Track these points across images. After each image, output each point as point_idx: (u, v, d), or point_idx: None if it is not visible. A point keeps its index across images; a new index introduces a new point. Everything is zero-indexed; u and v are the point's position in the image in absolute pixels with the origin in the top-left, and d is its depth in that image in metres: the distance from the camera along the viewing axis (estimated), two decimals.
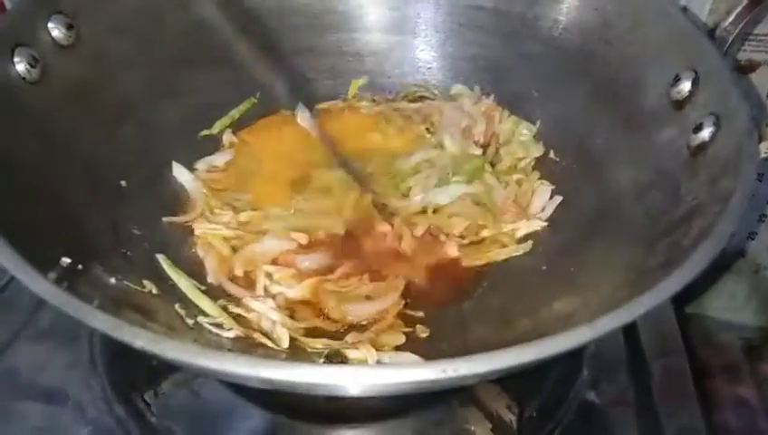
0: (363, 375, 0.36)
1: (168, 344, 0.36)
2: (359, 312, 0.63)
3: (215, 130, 0.77)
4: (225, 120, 0.78)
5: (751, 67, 0.82)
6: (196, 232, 0.69)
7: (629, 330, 0.69)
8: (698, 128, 0.57)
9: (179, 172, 0.72)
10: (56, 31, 0.64)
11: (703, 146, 0.57)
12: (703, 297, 1.06)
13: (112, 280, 0.54)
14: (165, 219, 0.68)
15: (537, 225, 0.70)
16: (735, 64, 0.82)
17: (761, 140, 0.52)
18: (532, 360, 0.36)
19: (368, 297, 0.64)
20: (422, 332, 0.61)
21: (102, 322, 0.38)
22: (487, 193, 0.72)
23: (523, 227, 0.70)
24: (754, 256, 1.02)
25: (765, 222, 0.98)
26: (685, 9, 0.74)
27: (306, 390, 0.39)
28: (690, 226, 0.50)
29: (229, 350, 0.57)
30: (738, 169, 0.50)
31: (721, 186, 0.51)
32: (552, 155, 0.75)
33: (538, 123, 0.77)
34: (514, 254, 0.68)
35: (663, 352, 0.68)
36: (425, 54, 0.83)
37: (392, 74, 0.83)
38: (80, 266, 0.52)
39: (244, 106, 0.79)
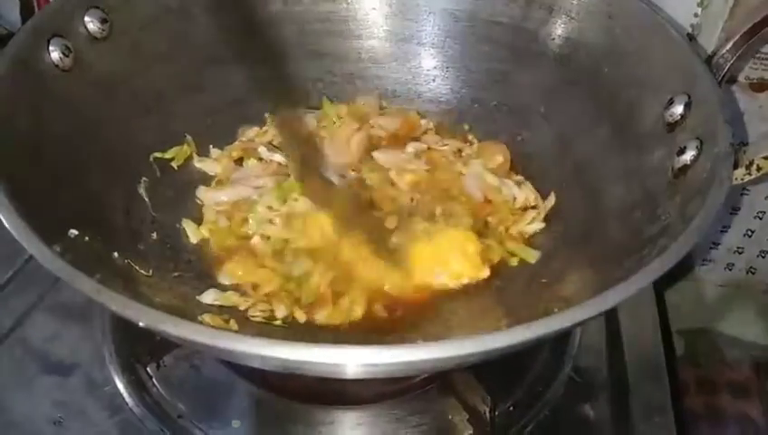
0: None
1: (138, 309, 0.41)
2: None
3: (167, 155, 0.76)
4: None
5: (761, 86, 0.82)
6: None
7: (613, 339, 0.71)
8: (682, 151, 0.59)
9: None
10: (91, 24, 0.68)
11: (684, 169, 0.58)
12: (715, 312, 1.06)
13: (115, 254, 0.59)
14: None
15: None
16: (747, 82, 0.82)
17: (737, 166, 0.53)
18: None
19: None
20: None
21: (85, 284, 0.42)
22: None
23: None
24: (765, 276, 1.01)
25: None
26: (690, 36, 0.75)
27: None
28: (656, 244, 0.52)
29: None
30: (707, 194, 0.51)
31: (690, 208, 0.52)
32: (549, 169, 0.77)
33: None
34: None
35: (644, 369, 0.69)
36: (442, 64, 0.85)
37: (408, 81, 0.86)
38: (86, 238, 0.55)
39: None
